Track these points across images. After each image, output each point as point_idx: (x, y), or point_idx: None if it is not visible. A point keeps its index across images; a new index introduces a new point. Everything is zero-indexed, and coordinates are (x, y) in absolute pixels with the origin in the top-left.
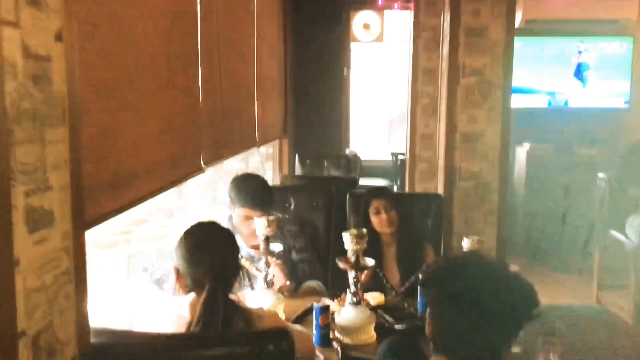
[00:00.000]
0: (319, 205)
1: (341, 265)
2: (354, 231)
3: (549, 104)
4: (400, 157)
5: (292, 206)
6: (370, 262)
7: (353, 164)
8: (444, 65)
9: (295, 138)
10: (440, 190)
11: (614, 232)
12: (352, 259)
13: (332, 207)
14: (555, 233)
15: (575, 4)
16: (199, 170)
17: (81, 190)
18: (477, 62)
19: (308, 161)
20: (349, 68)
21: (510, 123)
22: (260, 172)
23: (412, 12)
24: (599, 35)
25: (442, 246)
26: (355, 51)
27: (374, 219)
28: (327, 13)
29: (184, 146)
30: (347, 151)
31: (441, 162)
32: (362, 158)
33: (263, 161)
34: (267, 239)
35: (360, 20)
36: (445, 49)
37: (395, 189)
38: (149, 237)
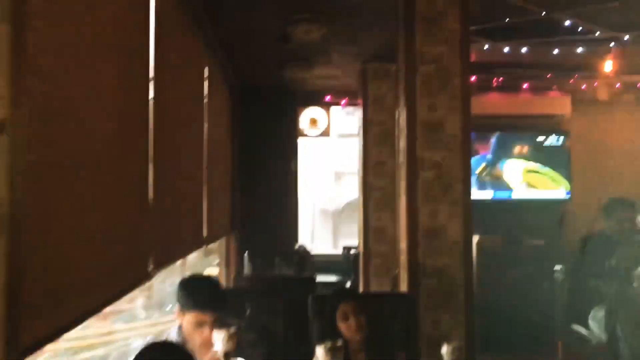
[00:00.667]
0: (278, 310)
1: None
2: (328, 343)
3: (494, 196)
4: (352, 251)
5: (248, 311)
6: None
7: (304, 259)
8: (402, 159)
9: (244, 234)
10: (404, 288)
11: (575, 327)
12: None
13: (292, 311)
14: (515, 328)
15: (513, 100)
16: (147, 277)
17: (16, 314)
18: (435, 155)
19: (258, 259)
20: (296, 162)
21: (471, 216)
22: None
23: (362, 109)
24: (538, 130)
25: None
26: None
27: (341, 325)
28: (276, 109)
29: (132, 252)
30: (297, 246)
31: (403, 258)
32: (312, 252)
33: (202, 256)
34: (227, 356)
35: (307, 115)
36: (402, 142)
37: (348, 284)
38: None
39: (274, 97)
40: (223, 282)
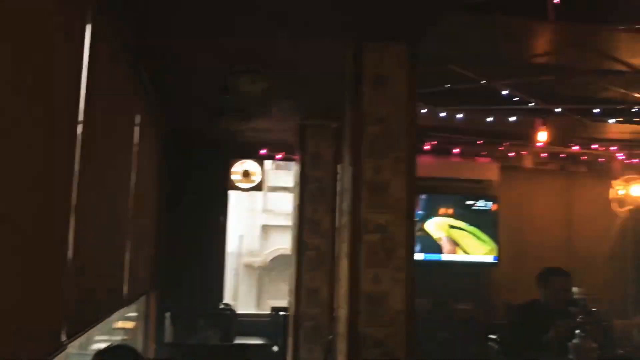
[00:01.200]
0: None
1: None
2: None
3: (424, 257)
4: (282, 313)
5: None
6: None
7: (230, 322)
8: (344, 220)
9: (166, 292)
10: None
11: None
12: None
13: None
14: None
15: (444, 164)
16: (60, 347)
17: None
18: (379, 218)
19: (180, 320)
20: (225, 216)
21: (415, 284)
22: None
23: (299, 165)
24: (467, 193)
25: None
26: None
27: None
28: (208, 160)
29: (43, 320)
30: (222, 305)
31: (342, 327)
32: (236, 312)
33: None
34: None
35: (240, 168)
36: (345, 203)
37: (275, 349)
38: None
39: (207, 148)
40: (141, 349)
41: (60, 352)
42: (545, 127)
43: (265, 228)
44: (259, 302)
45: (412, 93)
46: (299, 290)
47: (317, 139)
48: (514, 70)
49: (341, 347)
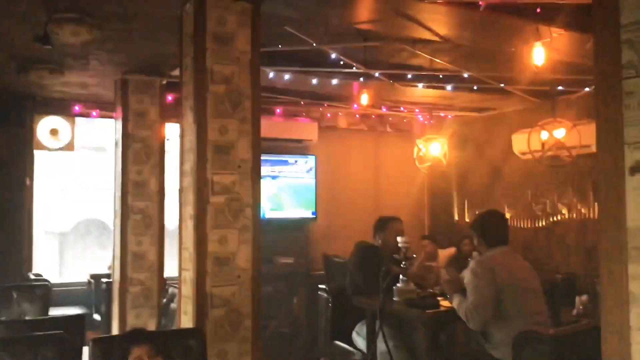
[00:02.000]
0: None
1: None
2: None
3: None
4: (103, 280)
5: None
6: None
7: (48, 292)
8: (187, 182)
9: None
10: (185, 320)
11: (338, 343)
12: None
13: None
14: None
15: (267, 124)
16: None
17: None
18: (225, 179)
19: None
20: (32, 178)
21: (260, 243)
22: None
23: (120, 123)
24: (289, 153)
25: None
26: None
27: None
28: (9, 117)
29: None
30: (31, 275)
31: (187, 289)
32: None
33: None
34: None
35: (47, 126)
36: (188, 164)
37: (98, 318)
38: None
39: (10, 103)
40: None
41: None
42: (366, 90)
43: (70, 191)
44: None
45: (257, 53)
46: (125, 256)
47: (141, 96)
48: (341, 35)
49: (187, 308)
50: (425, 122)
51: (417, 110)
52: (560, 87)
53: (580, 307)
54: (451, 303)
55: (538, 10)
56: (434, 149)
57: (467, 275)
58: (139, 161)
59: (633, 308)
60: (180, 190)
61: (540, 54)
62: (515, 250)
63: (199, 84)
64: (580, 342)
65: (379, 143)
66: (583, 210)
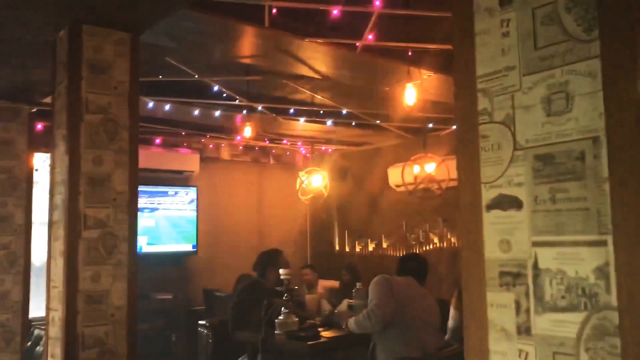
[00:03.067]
0: None
1: None
2: None
3: None
4: None
5: None
6: None
7: None
8: (57, 216)
9: None
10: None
11: None
12: None
13: None
14: None
15: (147, 155)
16: None
17: None
18: (100, 213)
19: None
20: None
21: (137, 278)
22: None
23: None
24: (170, 184)
25: None
26: None
27: None
28: None
29: None
30: None
31: (54, 330)
32: None
33: None
34: None
35: None
36: (59, 197)
37: None
38: None
39: None
40: None
41: None
42: (249, 123)
43: None
44: None
45: (135, 83)
46: None
47: (8, 124)
48: (224, 67)
49: (54, 350)
50: (307, 154)
51: (299, 143)
52: (430, 125)
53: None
54: (348, 327)
55: (409, 53)
56: (316, 181)
57: (370, 288)
58: (3, 193)
59: (491, 333)
60: (50, 225)
61: (411, 93)
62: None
63: (73, 112)
64: None
65: (262, 175)
66: (453, 240)
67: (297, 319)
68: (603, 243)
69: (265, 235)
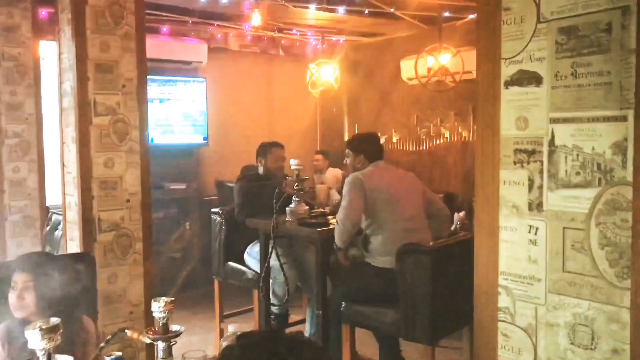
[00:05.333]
0: None
1: None
2: (44, 325)
3: None
4: None
5: None
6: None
7: None
8: (68, 103)
9: None
10: (72, 246)
11: (231, 263)
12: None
13: None
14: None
15: (154, 44)
16: None
17: None
18: (109, 99)
19: None
20: None
21: (148, 165)
22: None
23: None
24: (177, 75)
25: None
26: None
27: (8, 298)
28: None
29: None
30: None
31: (72, 214)
32: None
33: None
34: None
35: None
36: (68, 84)
37: None
38: None
39: None
40: None
41: None
42: (258, 9)
43: None
44: None
45: None
46: (1, 182)
47: (11, 9)
48: None
49: (73, 234)
50: (318, 46)
51: (309, 33)
52: (446, 14)
53: (458, 223)
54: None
55: None
56: (326, 73)
57: (343, 190)
58: (12, 81)
59: (502, 209)
60: (61, 112)
61: None
62: (392, 165)
63: None
64: (457, 253)
65: (271, 66)
66: (464, 134)
67: (307, 207)
68: (623, 118)
69: (275, 128)
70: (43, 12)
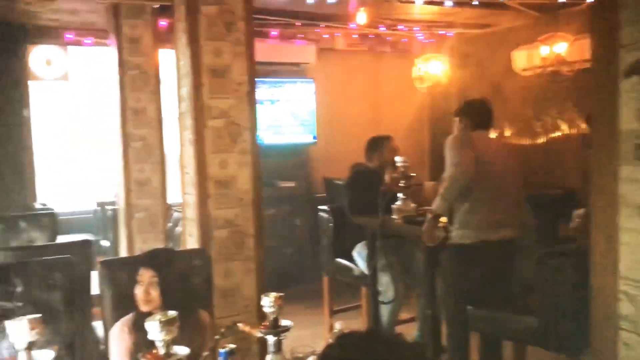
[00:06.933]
0: (57, 282)
1: None
2: (162, 317)
3: None
4: (109, 207)
5: (20, 288)
6: (182, 350)
7: (55, 220)
8: (184, 107)
9: None
10: (190, 242)
11: (339, 260)
12: (162, 351)
13: (73, 282)
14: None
15: (263, 48)
16: None
17: None
18: (222, 103)
19: None
20: (29, 109)
21: (260, 165)
22: None
23: (115, 50)
24: (286, 77)
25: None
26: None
27: (136, 292)
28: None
29: None
30: (38, 205)
31: (190, 212)
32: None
33: None
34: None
35: (41, 55)
36: (184, 89)
37: (107, 243)
38: None
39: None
40: None
41: None
42: (363, 8)
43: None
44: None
45: None
46: (128, 182)
47: (135, 21)
48: None
49: (191, 230)
50: (425, 40)
51: (416, 28)
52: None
53: (577, 220)
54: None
55: None
56: (434, 68)
57: (446, 148)
58: (136, 88)
59: (622, 209)
60: (179, 116)
61: None
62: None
63: (191, 5)
64: None
65: (378, 64)
66: (583, 126)
67: (414, 205)
68: None
69: (381, 125)
70: (163, 22)
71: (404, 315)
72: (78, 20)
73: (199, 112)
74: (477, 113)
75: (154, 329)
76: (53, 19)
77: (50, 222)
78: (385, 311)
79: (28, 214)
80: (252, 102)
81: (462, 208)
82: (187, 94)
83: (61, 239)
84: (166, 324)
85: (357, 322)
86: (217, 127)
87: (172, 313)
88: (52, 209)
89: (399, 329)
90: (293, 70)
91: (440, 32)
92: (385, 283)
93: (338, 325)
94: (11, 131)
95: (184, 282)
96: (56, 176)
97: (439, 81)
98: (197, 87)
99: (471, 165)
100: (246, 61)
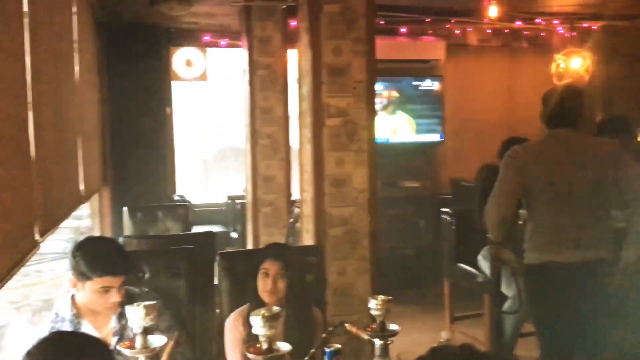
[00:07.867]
0: (181, 271)
1: (252, 356)
2: (266, 312)
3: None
4: (238, 201)
5: (147, 275)
6: (285, 347)
7: (188, 212)
8: (305, 105)
9: (117, 188)
10: (306, 238)
11: (462, 265)
12: (264, 345)
13: (196, 271)
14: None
15: (392, 45)
16: (35, 246)
17: None
18: (341, 102)
19: (138, 215)
20: (171, 107)
21: (377, 164)
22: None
23: (246, 51)
24: (413, 75)
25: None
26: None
27: (260, 283)
28: (144, 49)
29: (17, 220)
30: (176, 197)
31: (307, 208)
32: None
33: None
34: (146, 332)
35: (182, 57)
36: (305, 88)
37: (235, 235)
38: None
39: (145, 36)
40: None
41: (36, 250)
42: (494, 1)
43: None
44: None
45: None
46: (255, 178)
47: (265, 22)
48: None
49: (308, 227)
50: (566, 34)
51: (556, 21)
52: None
53: None
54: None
55: None
56: (576, 63)
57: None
58: (265, 88)
59: None
60: (300, 114)
61: None
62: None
63: (313, 4)
64: None
65: (513, 60)
66: None
67: None
68: None
69: (515, 125)
70: (293, 23)
71: (529, 327)
72: (215, 23)
73: (318, 111)
74: (546, 109)
75: (257, 324)
76: (192, 22)
77: (185, 213)
78: (509, 322)
79: (165, 205)
80: (370, 100)
81: (533, 232)
82: (307, 93)
83: (196, 229)
84: (269, 319)
85: (478, 331)
86: (335, 125)
87: (276, 309)
88: (188, 201)
89: (521, 342)
90: (421, 67)
91: (583, 25)
92: (508, 291)
93: (445, 335)
94: (156, 128)
95: (303, 277)
96: (194, 170)
97: (581, 77)
98: (316, 85)
99: (507, 197)
100: (366, 59)
